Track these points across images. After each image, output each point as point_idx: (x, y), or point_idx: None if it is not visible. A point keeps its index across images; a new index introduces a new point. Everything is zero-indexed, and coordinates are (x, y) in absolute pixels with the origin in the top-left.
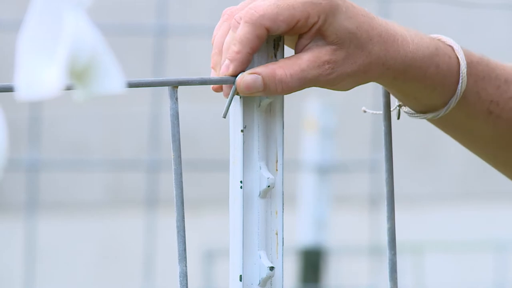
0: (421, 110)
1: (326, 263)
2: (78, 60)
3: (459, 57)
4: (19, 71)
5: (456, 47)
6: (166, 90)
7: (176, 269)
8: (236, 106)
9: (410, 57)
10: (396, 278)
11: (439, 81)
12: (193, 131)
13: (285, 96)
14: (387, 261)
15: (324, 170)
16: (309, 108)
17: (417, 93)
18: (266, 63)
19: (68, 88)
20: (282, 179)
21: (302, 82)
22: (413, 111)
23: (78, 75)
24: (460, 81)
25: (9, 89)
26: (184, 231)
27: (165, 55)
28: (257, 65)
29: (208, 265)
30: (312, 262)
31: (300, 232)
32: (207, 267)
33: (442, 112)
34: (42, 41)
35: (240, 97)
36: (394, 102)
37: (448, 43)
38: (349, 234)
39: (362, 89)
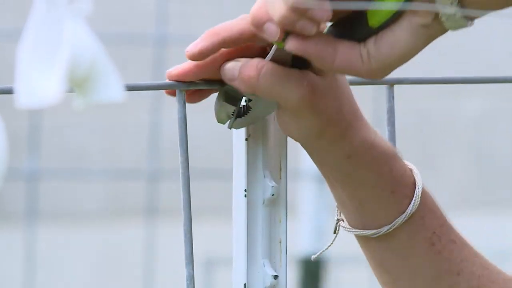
0: (361, 223)
1: (326, 272)
2: (77, 68)
3: (416, 179)
4: (19, 79)
5: (415, 170)
6: (165, 99)
7: (177, 277)
8: None
9: (370, 142)
10: None
11: (390, 187)
12: (191, 139)
13: None
14: None
15: (324, 179)
16: None
17: (364, 192)
18: None
19: (69, 91)
20: (286, 187)
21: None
22: (350, 226)
23: (77, 83)
24: (413, 201)
25: (8, 91)
26: (191, 234)
27: (165, 64)
28: None
29: (207, 273)
30: (312, 271)
31: (299, 240)
32: (207, 276)
33: (385, 230)
34: (42, 49)
35: None
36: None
37: (406, 164)
38: (349, 243)
39: (362, 95)
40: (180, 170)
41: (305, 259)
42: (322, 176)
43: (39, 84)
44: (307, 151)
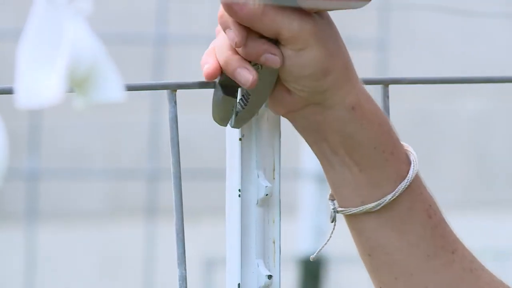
0: (361, 198)
1: (326, 272)
2: (78, 68)
3: (408, 148)
4: (19, 79)
5: (409, 147)
6: (165, 99)
7: (177, 276)
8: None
9: (368, 94)
10: None
11: (390, 148)
12: (188, 139)
13: None
14: None
15: (324, 179)
16: None
17: (366, 155)
18: None
19: (69, 91)
20: (279, 187)
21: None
22: (348, 207)
23: (78, 83)
24: (412, 166)
25: (8, 91)
26: (183, 234)
27: (165, 63)
28: None
29: (207, 273)
30: (312, 271)
31: (299, 241)
32: (206, 276)
33: (389, 198)
34: (42, 49)
35: None
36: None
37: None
38: (349, 243)
39: None
40: (172, 170)
41: (304, 259)
42: (322, 176)
43: (39, 84)
44: (309, 115)
